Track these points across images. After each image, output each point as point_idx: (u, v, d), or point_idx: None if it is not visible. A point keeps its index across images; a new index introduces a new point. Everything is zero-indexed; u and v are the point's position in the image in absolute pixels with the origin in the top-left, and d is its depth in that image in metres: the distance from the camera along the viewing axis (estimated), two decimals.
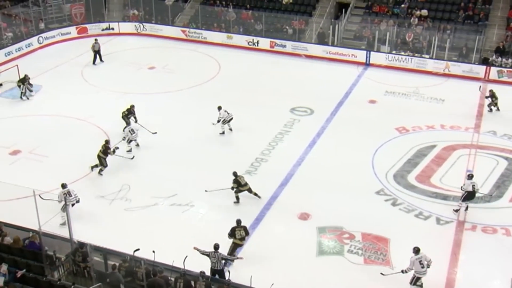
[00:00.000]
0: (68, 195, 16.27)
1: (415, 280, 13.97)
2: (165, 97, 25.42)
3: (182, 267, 13.22)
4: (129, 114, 22.07)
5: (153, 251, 13.25)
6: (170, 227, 16.51)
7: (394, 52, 29.91)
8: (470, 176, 17.24)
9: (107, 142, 19.42)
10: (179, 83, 26.87)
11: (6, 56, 29.72)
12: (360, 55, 30.00)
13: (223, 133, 21.98)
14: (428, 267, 13.84)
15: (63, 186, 16.61)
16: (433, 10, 31.61)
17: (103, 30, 34.27)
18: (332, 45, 31.08)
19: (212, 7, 34.63)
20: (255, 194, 17.78)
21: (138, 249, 13.37)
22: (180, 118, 23.36)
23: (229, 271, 14.04)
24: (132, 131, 20.74)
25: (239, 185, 17.59)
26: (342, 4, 33.66)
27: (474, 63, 28.42)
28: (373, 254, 15.55)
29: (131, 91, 25.78)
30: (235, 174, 17.72)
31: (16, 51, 30.42)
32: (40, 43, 32.04)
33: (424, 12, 31.27)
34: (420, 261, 13.77)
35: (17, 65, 27.26)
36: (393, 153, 20.67)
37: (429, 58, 29.03)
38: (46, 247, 13.78)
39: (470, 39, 29.08)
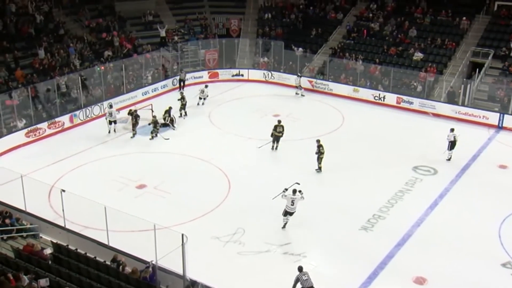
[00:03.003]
0: (110, 115, 26.90)
1: (285, 213, 18.54)
2: (285, 145, 25.70)
3: None
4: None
5: None
6: (280, 276, 16.36)
7: None
8: (452, 130, 24.17)
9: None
10: (301, 132, 27.12)
11: (143, 95, 31.86)
12: (493, 117, 28.61)
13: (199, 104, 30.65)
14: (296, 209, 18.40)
15: (110, 106, 27.53)
16: None
17: (233, 76, 35.68)
18: (463, 105, 29.99)
19: (341, 59, 34.90)
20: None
21: None
22: (298, 168, 23.40)
23: None
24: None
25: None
26: (476, 63, 32.51)
27: None
28: None
29: (254, 136, 26.39)
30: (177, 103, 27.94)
31: (152, 91, 32.49)
32: (174, 85, 34.00)
33: None
34: (292, 201, 18.33)
35: (151, 104, 29.12)
36: None
37: None
38: (160, 281, 14.22)
39: None
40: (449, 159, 24.04)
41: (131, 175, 22.62)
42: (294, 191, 18.52)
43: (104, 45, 34.24)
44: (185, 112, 29.37)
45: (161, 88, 33.20)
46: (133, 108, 28.14)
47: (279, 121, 25.29)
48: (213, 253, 17.52)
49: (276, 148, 25.22)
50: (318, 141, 23.02)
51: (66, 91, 29.20)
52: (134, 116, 26.78)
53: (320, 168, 22.98)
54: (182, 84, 33.58)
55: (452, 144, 24.02)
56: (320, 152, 22.78)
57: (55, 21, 34.16)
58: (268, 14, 40.58)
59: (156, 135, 26.48)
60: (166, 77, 34.07)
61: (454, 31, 34.67)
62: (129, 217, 16.44)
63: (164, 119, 27.62)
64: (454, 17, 35.24)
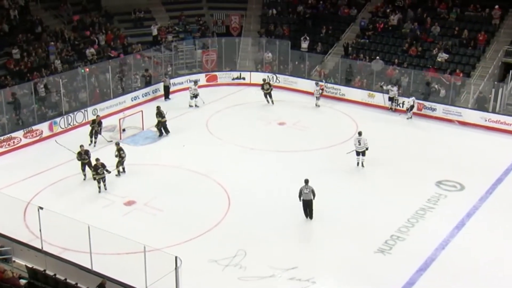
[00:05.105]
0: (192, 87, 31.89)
1: (357, 153, 24.37)
2: (291, 157, 25.76)
3: None
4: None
5: None
6: None
7: None
8: (411, 95, 30.65)
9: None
10: (309, 142, 27.18)
11: (132, 100, 31.94)
12: None
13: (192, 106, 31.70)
14: (364, 147, 24.14)
15: (195, 83, 32.26)
16: None
17: (233, 79, 35.79)
18: (493, 111, 30.05)
19: (355, 61, 34.99)
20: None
21: None
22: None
23: None
24: None
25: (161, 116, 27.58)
26: (509, 64, 32.56)
27: None
28: None
29: (257, 147, 26.46)
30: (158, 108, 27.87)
31: (143, 96, 32.58)
32: (154, 93, 33.50)
33: None
34: (359, 141, 24.11)
35: (141, 111, 29.23)
36: None
37: None
38: None
39: None
40: (410, 118, 30.37)
41: (118, 190, 22.67)
42: (360, 133, 24.25)
43: (88, 44, 34.40)
44: (96, 137, 27.43)
45: (153, 93, 33.26)
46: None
47: (264, 80, 32.96)
48: (210, 278, 17.49)
49: (272, 102, 32.25)
50: (117, 144, 24.16)
51: (45, 96, 29.28)
52: (118, 150, 23.86)
53: (118, 172, 23.89)
54: (167, 91, 33.38)
55: (411, 107, 30.40)
56: (120, 156, 23.71)
57: (33, 16, 34.36)
58: (272, 10, 40.78)
59: (104, 182, 22.76)
60: (147, 84, 33.41)
61: (484, 27, 34.64)
62: (116, 238, 16.44)
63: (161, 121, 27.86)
64: (484, 12, 35.26)
